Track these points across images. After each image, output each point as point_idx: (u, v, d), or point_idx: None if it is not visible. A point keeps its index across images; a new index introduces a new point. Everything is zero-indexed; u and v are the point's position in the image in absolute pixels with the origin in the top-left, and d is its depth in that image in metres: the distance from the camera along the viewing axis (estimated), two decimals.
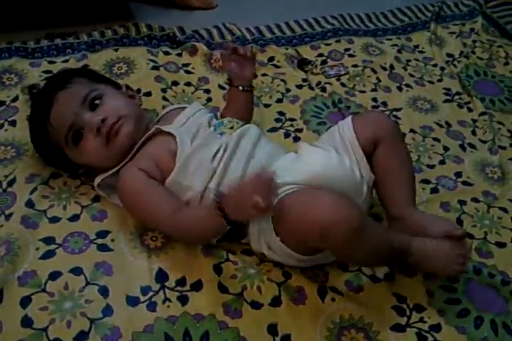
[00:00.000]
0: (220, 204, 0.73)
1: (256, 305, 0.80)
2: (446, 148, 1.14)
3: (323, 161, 0.85)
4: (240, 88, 1.00)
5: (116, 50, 1.27)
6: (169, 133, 0.87)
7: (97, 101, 0.88)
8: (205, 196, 0.83)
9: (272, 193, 0.69)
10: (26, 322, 0.74)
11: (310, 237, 0.73)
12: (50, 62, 1.23)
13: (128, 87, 1.00)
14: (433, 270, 0.82)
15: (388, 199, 0.89)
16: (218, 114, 1.02)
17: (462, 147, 1.15)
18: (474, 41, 1.49)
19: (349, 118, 0.91)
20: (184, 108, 0.96)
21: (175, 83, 1.21)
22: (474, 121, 1.22)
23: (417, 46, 1.47)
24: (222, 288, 0.81)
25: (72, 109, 0.86)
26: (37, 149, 0.95)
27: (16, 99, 1.11)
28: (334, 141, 0.89)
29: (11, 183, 0.93)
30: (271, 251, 0.81)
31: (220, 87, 1.22)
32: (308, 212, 0.72)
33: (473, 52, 1.45)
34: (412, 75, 1.35)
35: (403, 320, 0.81)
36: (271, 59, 1.33)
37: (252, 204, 0.67)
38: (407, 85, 1.31)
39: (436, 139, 1.16)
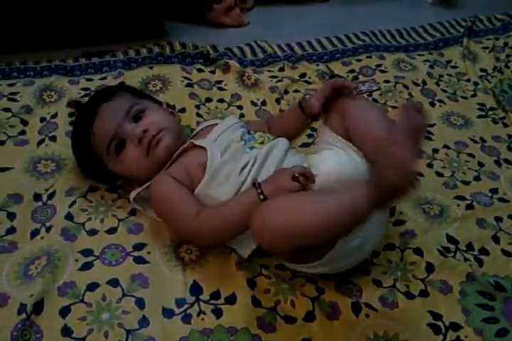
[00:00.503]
0: (260, 185, 0.78)
1: (289, 320, 0.80)
2: (481, 164, 1.12)
3: (334, 160, 0.85)
4: (309, 121, 0.96)
5: (151, 68, 1.31)
6: (202, 147, 0.89)
7: (140, 115, 0.92)
8: None
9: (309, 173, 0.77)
10: (66, 331, 0.76)
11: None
12: (88, 80, 1.28)
13: (168, 105, 1.03)
14: (391, 171, 0.68)
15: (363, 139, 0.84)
16: (251, 129, 1.02)
17: (497, 163, 1.13)
18: (508, 56, 1.48)
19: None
20: (218, 123, 0.98)
21: (208, 100, 1.24)
22: (510, 136, 1.21)
23: (449, 61, 1.46)
24: (256, 302, 0.81)
25: (116, 120, 0.90)
26: (78, 160, 0.98)
27: (55, 115, 1.15)
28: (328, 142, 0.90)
29: (51, 196, 0.96)
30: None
31: (253, 103, 1.24)
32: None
33: (507, 67, 1.43)
34: (444, 91, 1.34)
35: (439, 339, 0.79)
36: (303, 75, 1.34)
37: (291, 177, 0.76)
38: (440, 101, 1.30)
39: (470, 155, 1.15)
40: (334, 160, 0.85)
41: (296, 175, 0.77)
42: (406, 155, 0.66)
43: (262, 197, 0.77)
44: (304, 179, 0.77)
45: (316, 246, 0.74)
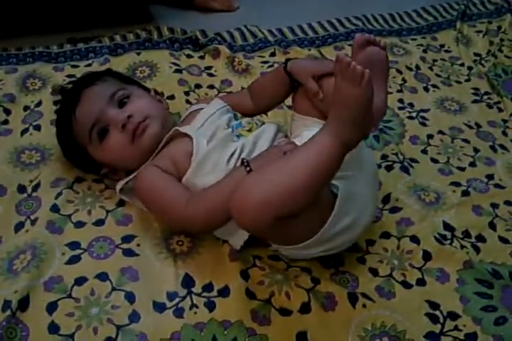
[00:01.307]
0: (248, 163, 0.76)
1: (285, 312, 0.78)
2: (476, 150, 1.11)
3: None
4: (295, 84, 0.90)
5: (138, 54, 1.27)
6: (187, 135, 0.86)
7: (125, 100, 0.89)
8: None
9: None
10: (53, 328, 0.73)
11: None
12: (74, 67, 1.23)
13: (156, 92, 0.99)
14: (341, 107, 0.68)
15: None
16: (238, 115, 0.98)
17: (493, 148, 1.11)
18: (502, 40, 1.46)
19: None
20: (203, 108, 0.95)
21: (198, 86, 1.20)
22: (505, 121, 1.19)
23: (443, 45, 1.43)
24: (250, 294, 0.79)
25: (99, 105, 0.86)
26: (62, 147, 0.95)
27: (40, 103, 1.11)
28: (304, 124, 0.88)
29: (36, 188, 0.93)
30: (286, 251, 0.81)
31: (243, 89, 1.21)
32: None
33: (501, 51, 1.42)
34: (438, 75, 1.32)
35: (437, 328, 0.78)
36: None
37: (281, 154, 0.74)
38: (434, 86, 1.28)
39: (465, 140, 1.13)
40: None
41: (287, 152, 0.75)
42: (354, 78, 0.65)
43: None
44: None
45: (299, 210, 0.69)
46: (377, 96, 0.70)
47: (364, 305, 0.79)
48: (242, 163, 0.77)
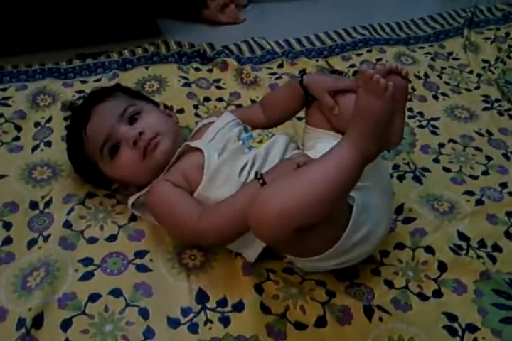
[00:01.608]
0: (262, 177, 0.75)
1: (300, 326, 0.77)
2: (489, 158, 1.10)
3: None
4: (310, 98, 0.90)
5: (147, 68, 1.28)
6: (198, 149, 0.86)
7: (135, 116, 0.89)
8: None
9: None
10: None
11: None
12: (83, 82, 1.24)
13: (166, 106, 1.00)
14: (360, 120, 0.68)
15: None
16: (249, 127, 0.98)
17: (506, 156, 1.10)
18: (510, 46, 1.45)
19: None
20: (214, 122, 0.95)
21: (207, 99, 1.20)
22: None
23: (451, 53, 1.43)
24: (265, 309, 0.78)
25: (110, 121, 0.87)
26: (72, 163, 0.95)
27: (50, 119, 1.12)
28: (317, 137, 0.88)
29: (48, 204, 0.93)
30: (301, 263, 0.79)
31: (252, 101, 1.21)
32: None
33: (510, 57, 1.41)
34: (447, 83, 1.31)
35: None
36: (302, 71, 1.31)
37: (295, 167, 0.73)
38: (443, 94, 1.27)
39: (477, 149, 1.12)
40: None
41: (301, 164, 0.74)
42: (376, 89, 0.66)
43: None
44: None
45: (317, 222, 0.68)
46: (395, 124, 0.72)
47: (380, 318, 0.78)
48: (256, 176, 0.77)
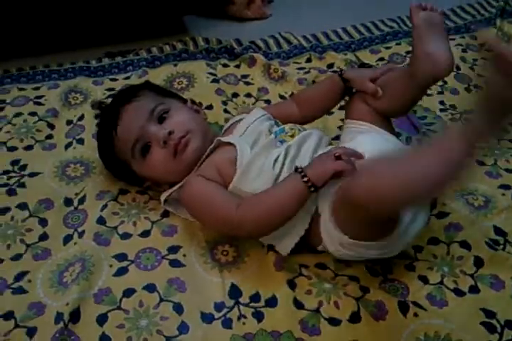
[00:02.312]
0: (303, 170, 0.75)
1: (334, 322, 0.76)
2: None
3: (373, 145, 0.82)
4: (346, 92, 0.94)
5: (175, 65, 1.28)
6: (230, 144, 0.86)
7: (164, 115, 0.89)
8: None
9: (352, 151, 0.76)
10: (104, 339, 0.74)
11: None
12: (112, 80, 1.26)
13: (193, 102, 1.00)
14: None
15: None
16: (274, 115, 0.98)
17: None
18: None
19: None
20: (244, 118, 0.95)
21: (235, 95, 1.21)
22: None
23: (482, 45, 1.39)
24: (298, 304, 0.78)
25: (139, 121, 0.87)
26: (104, 162, 0.96)
27: (82, 117, 1.13)
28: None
29: (81, 201, 0.94)
30: (346, 249, 0.77)
31: (281, 96, 1.21)
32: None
33: None
34: (480, 75, 1.28)
35: (495, 338, 0.75)
36: (331, 65, 1.30)
37: (333, 157, 0.74)
38: (476, 86, 1.24)
39: None
40: (371, 141, 0.83)
41: (338, 155, 0.74)
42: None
43: (306, 179, 0.74)
44: (348, 157, 0.74)
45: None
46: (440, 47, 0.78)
47: (416, 314, 0.77)
48: (296, 169, 0.77)
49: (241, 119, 0.94)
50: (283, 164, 0.82)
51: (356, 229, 0.74)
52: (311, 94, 0.99)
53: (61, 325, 0.74)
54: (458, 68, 1.29)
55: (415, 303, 0.79)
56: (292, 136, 0.87)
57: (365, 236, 0.75)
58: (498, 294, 0.80)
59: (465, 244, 0.87)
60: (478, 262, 0.84)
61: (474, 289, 0.81)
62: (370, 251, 0.76)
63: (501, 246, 0.87)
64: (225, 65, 1.29)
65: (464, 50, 1.35)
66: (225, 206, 0.79)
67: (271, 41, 1.41)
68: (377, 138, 0.86)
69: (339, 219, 0.75)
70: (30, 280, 0.82)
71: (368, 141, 0.84)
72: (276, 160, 0.83)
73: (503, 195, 0.97)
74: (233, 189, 0.82)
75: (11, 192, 0.96)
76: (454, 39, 1.42)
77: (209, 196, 0.82)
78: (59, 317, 0.76)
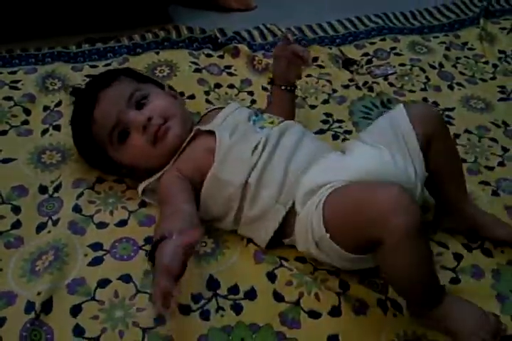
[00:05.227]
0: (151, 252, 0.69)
1: (314, 315, 0.75)
2: (504, 149, 1.07)
3: (374, 158, 0.80)
4: (283, 87, 0.98)
5: (157, 53, 1.26)
6: (209, 132, 0.85)
7: (143, 101, 0.87)
8: (245, 192, 0.80)
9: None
10: (78, 331, 0.71)
11: (365, 226, 0.67)
12: (92, 67, 1.23)
13: (170, 87, 0.98)
14: (454, 330, 0.71)
15: (441, 194, 0.87)
16: (259, 112, 0.97)
17: None
18: None
19: (403, 111, 0.84)
20: (222, 108, 0.94)
21: (218, 85, 1.19)
22: None
23: (465, 43, 1.41)
24: (278, 296, 0.77)
25: (118, 106, 0.85)
26: (78, 148, 0.94)
27: (59, 103, 1.10)
28: (386, 136, 0.83)
29: (57, 188, 0.92)
30: (318, 249, 0.75)
31: (264, 88, 1.19)
32: (367, 199, 0.68)
33: None
34: (462, 73, 1.29)
35: None
36: (315, 59, 1.28)
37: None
38: (459, 84, 1.25)
39: (493, 139, 1.10)
40: (372, 155, 0.81)
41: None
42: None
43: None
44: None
45: None
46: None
47: (395, 314, 0.76)
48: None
49: (219, 109, 0.94)
50: (261, 153, 0.81)
51: (348, 243, 0.72)
52: (273, 109, 0.99)
53: (32, 315, 0.72)
54: (441, 66, 1.30)
55: (394, 301, 0.77)
56: (272, 123, 0.87)
57: (349, 246, 0.72)
58: (477, 289, 0.80)
59: (441, 243, 0.87)
60: (457, 258, 0.85)
61: (455, 280, 0.81)
62: (342, 262, 0.75)
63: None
64: (208, 55, 1.27)
65: (447, 48, 1.36)
66: (164, 211, 0.80)
67: (255, 32, 1.40)
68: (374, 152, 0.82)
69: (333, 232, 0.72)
70: (1, 269, 0.79)
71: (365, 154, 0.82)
72: (254, 149, 0.81)
73: (483, 190, 0.98)
74: (212, 178, 0.81)
75: None
76: (437, 37, 1.43)
77: (166, 196, 0.82)
78: (30, 306, 0.73)
